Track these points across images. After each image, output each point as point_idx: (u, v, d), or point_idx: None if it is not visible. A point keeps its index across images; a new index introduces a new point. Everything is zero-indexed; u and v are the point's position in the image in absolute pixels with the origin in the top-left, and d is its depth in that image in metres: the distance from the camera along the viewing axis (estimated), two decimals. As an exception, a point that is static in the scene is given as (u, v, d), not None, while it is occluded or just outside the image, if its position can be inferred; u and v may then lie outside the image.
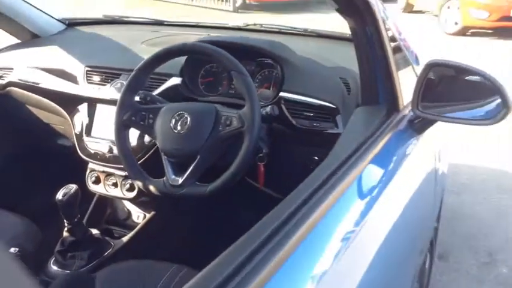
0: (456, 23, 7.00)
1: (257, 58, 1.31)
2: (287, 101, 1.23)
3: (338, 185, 0.78)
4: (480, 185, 2.78)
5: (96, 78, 1.44)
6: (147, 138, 1.32)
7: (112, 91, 1.38)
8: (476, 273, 2.07)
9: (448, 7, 7.20)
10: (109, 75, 1.42)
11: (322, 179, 0.77)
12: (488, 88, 1.02)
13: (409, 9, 8.93)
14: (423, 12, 8.49)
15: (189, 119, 1.11)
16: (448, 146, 1.80)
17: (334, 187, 0.76)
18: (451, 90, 1.10)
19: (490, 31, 6.94)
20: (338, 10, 1.02)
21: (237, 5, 8.73)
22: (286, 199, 0.72)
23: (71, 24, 1.84)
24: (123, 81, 1.36)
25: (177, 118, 1.12)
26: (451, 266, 2.11)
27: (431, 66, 1.06)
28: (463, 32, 6.98)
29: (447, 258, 2.14)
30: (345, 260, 0.71)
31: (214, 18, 7.26)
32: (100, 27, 1.89)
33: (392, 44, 1.13)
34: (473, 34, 6.96)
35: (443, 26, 7.26)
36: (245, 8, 8.77)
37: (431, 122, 1.13)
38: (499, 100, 1.00)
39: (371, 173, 0.92)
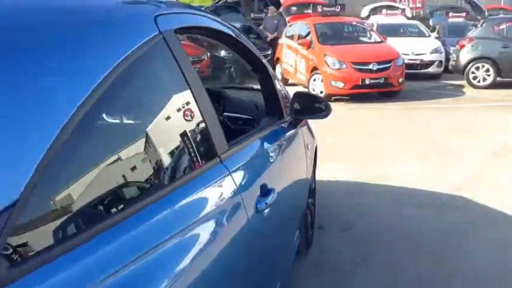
0: (321, 92, 8.89)
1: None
2: (228, 116, 2.39)
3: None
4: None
5: None
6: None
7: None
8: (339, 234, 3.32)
9: (314, 79, 9.15)
10: None
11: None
12: (321, 104, 2.32)
13: (285, 82, 10.87)
14: (297, 85, 10.42)
15: None
16: (314, 142, 3.05)
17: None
18: (307, 106, 2.36)
19: (347, 97, 8.94)
20: (252, 70, 2.24)
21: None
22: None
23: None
24: None
25: None
26: (325, 231, 3.34)
27: (297, 94, 2.32)
28: (328, 98, 8.87)
29: (323, 227, 3.37)
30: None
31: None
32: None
33: (278, 86, 2.38)
34: (335, 100, 8.86)
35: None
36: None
37: (299, 121, 2.38)
38: (322, 106, 2.29)
39: (269, 149, 2.03)
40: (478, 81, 10.29)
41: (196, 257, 1.02)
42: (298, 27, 10.66)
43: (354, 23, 10.71)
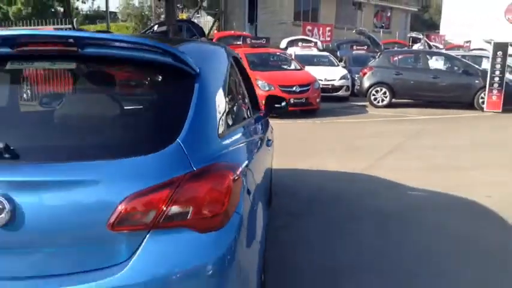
0: (254, 110, 10.51)
1: None
2: None
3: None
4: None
5: None
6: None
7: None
8: (289, 197, 4.81)
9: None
10: None
11: None
12: (282, 103, 3.84)
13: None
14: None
15: None
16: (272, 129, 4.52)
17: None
18: (273, 104, 3.86)
19: (275, 115, 10.62)
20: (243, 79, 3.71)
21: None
22: None
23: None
24: None
25: None
26: (278, 196, 4.80)
27: (268, 96, 3.82)
28: (259, 116, 10.53)
29: (277, 194, 4.83)
30: None
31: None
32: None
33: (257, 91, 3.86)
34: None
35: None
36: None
37: (268, 114, 3.88)
38: (283, 104, 3.82)
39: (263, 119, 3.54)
40: (378, 102, 12.55)
41: (260, 148, 2.48)
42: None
43: (278, 53, 12.58)
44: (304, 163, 6.12)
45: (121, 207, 1.56)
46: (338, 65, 14.93)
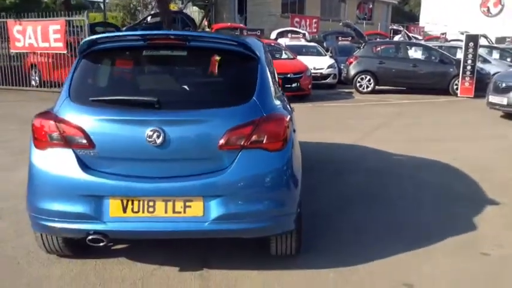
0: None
1: None
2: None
3: None
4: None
5: None
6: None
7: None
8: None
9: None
10: None
11: None
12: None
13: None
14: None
15: None
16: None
17: None
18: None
19: (271, 100, 11.76)
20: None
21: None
22: None
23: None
24: None
25: None
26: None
27: (280, 79, 4.93)
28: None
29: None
30: None
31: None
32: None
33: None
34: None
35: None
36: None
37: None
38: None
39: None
40: (363, 88, 13.77)
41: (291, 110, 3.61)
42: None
43: (272, 44, 13.67)
44: (304, 135, 7.26)
45: (226, 135, 2.68)
46: (325, 55, 16.03)
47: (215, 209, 2.66)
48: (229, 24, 14.32)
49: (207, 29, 21.02)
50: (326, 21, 26.58)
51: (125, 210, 2.67)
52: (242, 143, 2.71)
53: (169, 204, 2.67)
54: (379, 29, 29.42)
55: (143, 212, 2.67)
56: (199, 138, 2.71)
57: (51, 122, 2.75)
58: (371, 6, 34.70)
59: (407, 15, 46.31)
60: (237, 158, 2.71)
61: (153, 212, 2.67)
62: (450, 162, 5.84)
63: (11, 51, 12.95)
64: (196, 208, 2.66)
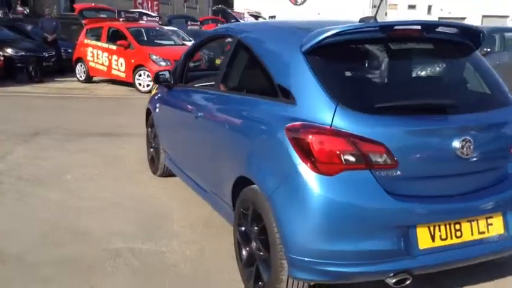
0: (149, 85, 10.46)
1: None
2: None
3: None
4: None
5: None
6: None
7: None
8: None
9: (140, 75, 10.66)
10: None
11: None
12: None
13: (89, 80, 11.91)
14: (114, 80, 11.48)
15: None
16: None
17: None
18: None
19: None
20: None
21: None
22: None
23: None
24: None
25: None
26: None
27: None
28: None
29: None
30: None
31: None
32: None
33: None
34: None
35: (139, 87, 10.68)
36: None
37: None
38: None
39: None
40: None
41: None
42: (105, 30, 11.64)
43: (157, 28, 12.58)
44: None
45: None
46: (191, 40, 15.40)
47: None
48: (92, 4, 12.32)
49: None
50: (165, 5, 25.23)
51: (433, 239, 2.20)
52: None
53: (474, 224, 2.29)
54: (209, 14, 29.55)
55: (451, 238, 2.23)
56: (497, 143, 2.40)
57: (347, 139, 2.07)
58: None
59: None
60: None
61: (460, 236, 2.25)
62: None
63: None
64: (497, 225, 2.34)
